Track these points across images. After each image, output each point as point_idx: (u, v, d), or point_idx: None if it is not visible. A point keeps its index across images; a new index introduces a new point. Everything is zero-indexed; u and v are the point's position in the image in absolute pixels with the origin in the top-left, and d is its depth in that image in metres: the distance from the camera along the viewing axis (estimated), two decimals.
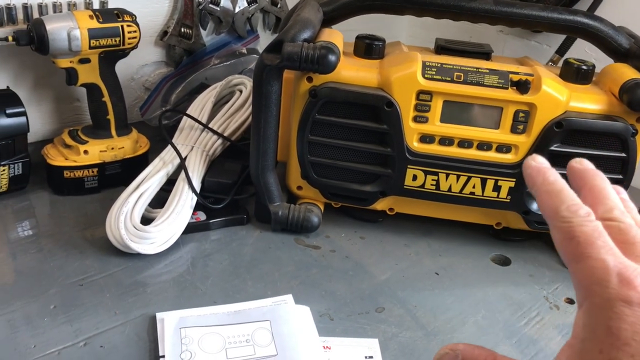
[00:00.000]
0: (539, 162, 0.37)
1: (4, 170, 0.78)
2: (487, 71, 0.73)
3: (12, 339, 0.59)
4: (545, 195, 0.35)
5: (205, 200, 0.79)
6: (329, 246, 0.79)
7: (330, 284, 0.71)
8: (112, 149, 0.84)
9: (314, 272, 0.73)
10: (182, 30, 0.99)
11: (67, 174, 0.82)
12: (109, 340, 0.60)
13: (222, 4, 1.02)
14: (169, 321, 0.62)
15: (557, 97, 0.72)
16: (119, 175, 0.85)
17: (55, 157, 0.83)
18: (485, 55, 0.78)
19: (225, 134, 0.88)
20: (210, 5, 1.01)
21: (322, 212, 0.82)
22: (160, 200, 0.77)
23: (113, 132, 0.85)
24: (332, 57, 0.71)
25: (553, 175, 0.36)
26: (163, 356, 0.58)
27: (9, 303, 0.64)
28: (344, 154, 0.76)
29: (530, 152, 0.74)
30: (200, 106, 0.91)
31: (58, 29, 0.76)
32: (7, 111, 0.77)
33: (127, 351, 0.59)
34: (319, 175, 0.78)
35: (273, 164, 0.79)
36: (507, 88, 0.73)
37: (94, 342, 0.60)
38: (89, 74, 0.81)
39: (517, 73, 0.73)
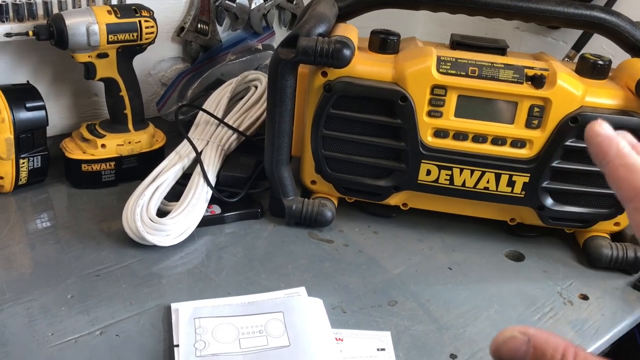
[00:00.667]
0: (608, 130, 0.30)
1: (23, 163, 0.80)
2: (502, 66, 0.73)
3: (30, 327, 0.60)
4: (623, 170, 0.29)
5: (220, 194, 0.80)
6: (343, 240, 0.79)
7: (343, 278, 0.72)
8: (129, 143, 0.85)
9: (327, 266, 0.74)
10: (199, 26, 1.00)
11: (84, 167, 0.84)
12: (124, 330, 0.61)
13: (238, 0, 1.03)
14: (183, 311, 0.63)
15: (572, 92, 0.71)
16: (135, 169, 0.86)
17: (73, 151, 0.84)
18: (501, 50, 0.78)
19: (241, 129, 0.89)
20: (227, 1, 1.02)
21: (336, 207, 0.82)
22: (176, 193, 0.78)
23: (130, 126, 0.87)
24: (346, 52, 0.71)
25: (627, 146, 0.30)
26: (177, 345, 0.59)
27: (28, 292, 0.65)
28: (358, 148, 0.77)
29: (545, 147, 0.73)
30: (216, 101, 0.92)
31: (77, 24, 0.77)
32: (27, 105, 0.78)
33: (142, 340, 0.60)
34: (333, 169, 0.78)
35: (287, 158, 0.79)
36: (522, 83, 0.72)
37: (110, 331, 0.61)
38: (106, 68, 0.82)
39: (532, 68, 0.73)
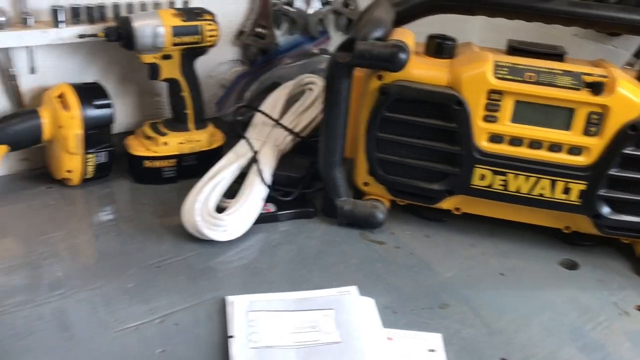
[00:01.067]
0: None
1: (91, 158, 0.84)
2: (560, 72, 0.73)
3: (94, 313, 0.64)
4: None
5: (275, 193, 0.82)
6: (394, 242, 0.80)
7: (395, 279, 0.72)
8: (190, 141, 0.89)
9: (378, 267, 0.75)
10: (258, 30, 1.03)
11: (147, 163, 0.87)
12: (182, 320, 0.64)
13: (296, 5, 1.05)
14: (238, 304, 0.65)
15: (632, 99, 0.70)
16: (195, 166, 0.89)
17: (137, 148, 0.88)
18: (558, 56, 0.77)
19: (296, 130, 0.91)
20: (285, 6, 1.05)
21: (388, 209, 0.83)
22: (233, 191, 0.80)
23: (191, 125, 0.90)
24: (402, 55, 0.72)
25: None
26: (231, 336, 0.61)
27: (92, 281, 0.68)
28: (411, 151, 0.77)
29: (602, 154, 0.73)
30: (273, 103, 0.94)
31: (144, 26, 0.81)
32: (96, 103, 0.82)
33: (199, 330, 0.62)
34: (386, 172, 0.79)
35: (341, 159, 0.81)
36: (580, 89, 0.72)
37: (169, 320, 0.63)
38: (170, 69, 0.86)
39: (590, 74, 0.72)
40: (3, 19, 0.78)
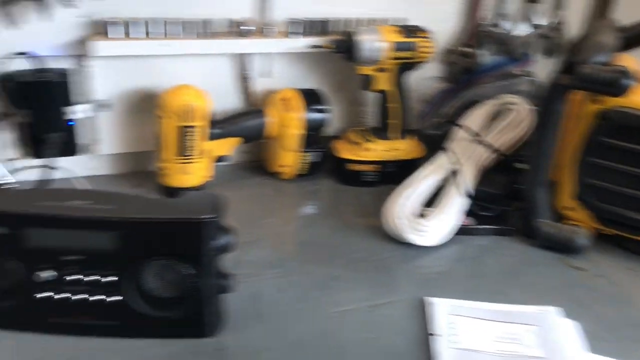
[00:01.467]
0: None
1: (306, 156, 0.92)
2: None
3: (309, 294, 0.70)
4: None
5: (475, 207, 0.84)
6: (595, 271, 0.78)
7: (597, 306, 0.71)
8: (393, 150, 0.94)
9: (578, 292, 0.73)
10: (464, 49, 1.06)
11: (351, 166, 0.94)
12: (387, 312, 0.68)
13: (503, 27, 1.07)
14: (440, 306, 0.68)
15: None
16: (394, 173, 0.93)
17: (344, 151, 0.95)
18: None
19: (496, 148, 0.92)
20: (491, 28, 1.06)
21: (591, 236, 0.81)
22: (432, 201, 0.84)
23: (394, 135, 0.95)
24: (626, 81, 0.71)
25: None
26: (432, 334, 0.64)
27: (304, 266, 0.75)
28: (627, 180, 0.76)
29: None
30: (474, 120, 0.96)
31: (367, 40, 0.88)
32: (316, 107, 0.91)
33: (402, 323, 0.66)
34: (597, 198, 0.78)
35: (546, 180, 0.81)
36: None
37: (376, 311, 0.68)
38: (383, 81, 0.92)
39: None
40: (251, 28, 0.89)
